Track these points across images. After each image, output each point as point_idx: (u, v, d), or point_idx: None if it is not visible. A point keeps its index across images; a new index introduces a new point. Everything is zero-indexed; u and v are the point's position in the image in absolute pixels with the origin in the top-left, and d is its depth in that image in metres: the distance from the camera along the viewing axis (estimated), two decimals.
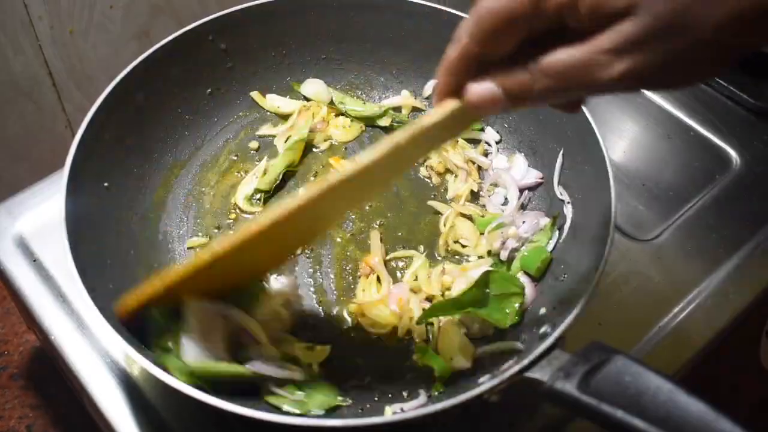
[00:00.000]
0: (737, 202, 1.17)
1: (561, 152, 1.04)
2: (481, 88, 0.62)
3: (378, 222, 1.06)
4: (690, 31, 0.51)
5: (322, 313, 0.97)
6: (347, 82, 1.21)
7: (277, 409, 0.80)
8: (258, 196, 1.08)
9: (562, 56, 0.56)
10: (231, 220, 1.06)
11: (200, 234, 1.03)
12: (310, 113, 1.15)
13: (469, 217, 1.06)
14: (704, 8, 0.50)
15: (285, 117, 1.17)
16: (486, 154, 1.14)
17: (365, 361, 0.92)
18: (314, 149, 1.14)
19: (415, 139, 0.69)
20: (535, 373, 0.74)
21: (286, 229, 0.76)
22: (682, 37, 0.52)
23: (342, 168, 0.73)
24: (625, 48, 0.53)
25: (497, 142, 1.15)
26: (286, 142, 1.12)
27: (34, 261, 1.01)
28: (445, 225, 1.05)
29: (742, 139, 1.25)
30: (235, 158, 1.12)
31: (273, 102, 1.17)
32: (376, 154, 0.70)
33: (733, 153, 1.23)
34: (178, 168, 1.08)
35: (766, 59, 1.30)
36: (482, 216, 1.05)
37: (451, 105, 0.66)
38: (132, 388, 0.91)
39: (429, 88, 1.19)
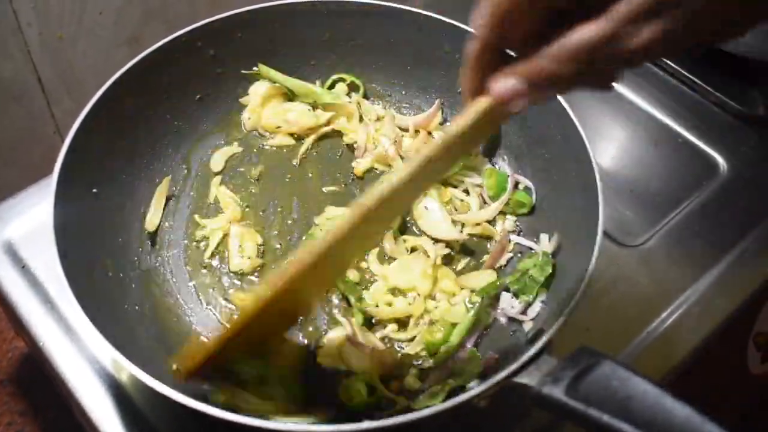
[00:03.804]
0: (724, 208, 1.18)
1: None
2: (503, 82, 0.58)
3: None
4: None
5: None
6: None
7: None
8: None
9: (584, 34, 0.53)
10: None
11: (188, 241, 1.03)
12: None
13: None
14: None
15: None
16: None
17: None
18: None
19: (447, 148, 0.64)
20: (523, 378, 0.74)
21: (326, 262, 0.70)
22: None
23: (375, 189, 0.67)
24: (645, 14, 0.50)
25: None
26: None
27: (23, 267, 1.01)
28: None
29: (729, 145, 1.26)
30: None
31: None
32: (411, 168, 0.65)
33: (720, 159, 1.24)
34: (167, 174, 1.08)
35: (752, 66, 1.31)
36: None
37: (480, 104, 0.61)
38: (120, 393, 0.91)
39: None
